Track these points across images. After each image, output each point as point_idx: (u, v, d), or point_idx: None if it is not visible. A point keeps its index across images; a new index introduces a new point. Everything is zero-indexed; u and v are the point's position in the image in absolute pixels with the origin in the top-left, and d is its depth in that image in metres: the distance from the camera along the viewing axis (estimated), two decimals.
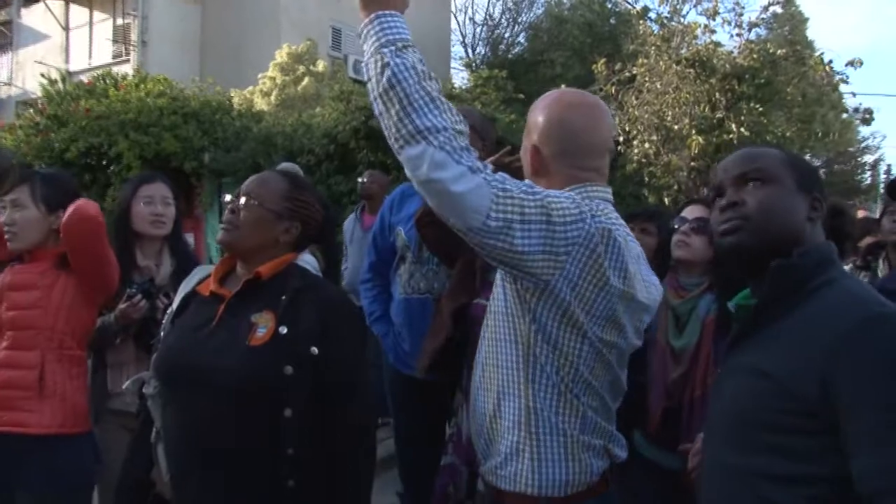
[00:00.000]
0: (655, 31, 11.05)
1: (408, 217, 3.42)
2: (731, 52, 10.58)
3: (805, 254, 1.52)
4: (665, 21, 11.33)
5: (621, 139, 11.01)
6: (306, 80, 16.01)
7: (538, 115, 2.00)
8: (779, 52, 10.70)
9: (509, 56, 21.65)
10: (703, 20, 10.94)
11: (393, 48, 1.65)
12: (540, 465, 1.83)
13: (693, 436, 2.10)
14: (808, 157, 13.85)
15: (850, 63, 10.64)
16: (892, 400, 1.29)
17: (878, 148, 27.06)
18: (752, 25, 11.27)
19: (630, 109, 11.28)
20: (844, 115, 10.95)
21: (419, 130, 1.62)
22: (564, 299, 1.75)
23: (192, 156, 10.67)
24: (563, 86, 11.43)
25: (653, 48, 10.84)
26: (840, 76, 10.70)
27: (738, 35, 11.02)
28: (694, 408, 2.67)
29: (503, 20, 25.03)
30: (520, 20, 24.51)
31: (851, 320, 1.38)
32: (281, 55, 16.62)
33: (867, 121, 10.88)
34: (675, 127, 10.70)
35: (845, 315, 1.40)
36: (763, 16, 12.56)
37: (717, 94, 10.55)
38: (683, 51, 10.51)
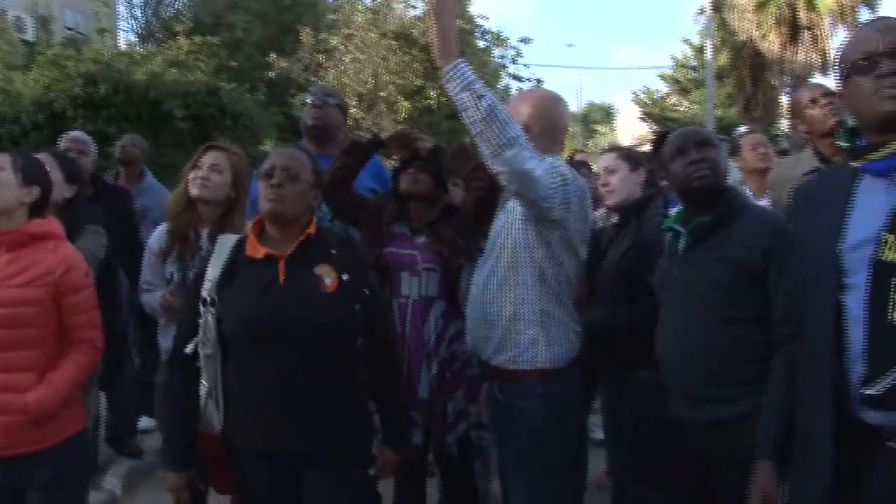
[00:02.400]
0: (366, 5, 11.83)
1: None
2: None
3: (731, 188, 2.44)
4: None
5: None
6: None
7: (526, 104, 2.79)
8: (466, 26, 12.17)
9: (181, 20, 20.90)
10: None
11: (479, 85, 2.28)
12: (551, 348, 2.57)
13: None
14: None
15: (522, 40, 12.49)
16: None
17: None
18: None
19: (331, 77, 12.01)
20: (519, 85, 12.77)
21: (512, 139, 2.28)
22: (568, 230, 2.54)
23: None
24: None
25: (362, 21, 11.64)
26: (514, 50, 12.52)
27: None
28: None
29: None
30: None
31: (775, 224, 2.34)
32: None
33: None
34: (382, 94, 11.69)
35: (771, 221, 2.36)
36: None
37: (417, 64, 11.75)
38: (390, 25, 11.52)
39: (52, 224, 2.62)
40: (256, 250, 2.43)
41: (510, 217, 2.63)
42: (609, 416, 3.29)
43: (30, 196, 2.60)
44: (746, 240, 2.34)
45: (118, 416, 4.74)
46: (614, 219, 3.45)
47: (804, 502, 1.83)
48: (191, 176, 3.08)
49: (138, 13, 24.45)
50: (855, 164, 1.76)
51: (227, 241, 2.52)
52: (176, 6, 24.11)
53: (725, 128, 24.59)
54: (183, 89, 10.85)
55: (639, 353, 2.79)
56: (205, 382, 2.40)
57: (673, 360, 2.48)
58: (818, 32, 21.15)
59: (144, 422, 5.08)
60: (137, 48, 13.91)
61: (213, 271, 2.42)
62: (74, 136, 5.03)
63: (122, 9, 24.56)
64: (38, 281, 2.46)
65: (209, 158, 3.11)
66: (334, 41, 12.17)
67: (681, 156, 2.51)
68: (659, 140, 3.52)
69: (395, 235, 3.32)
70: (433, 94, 11.54)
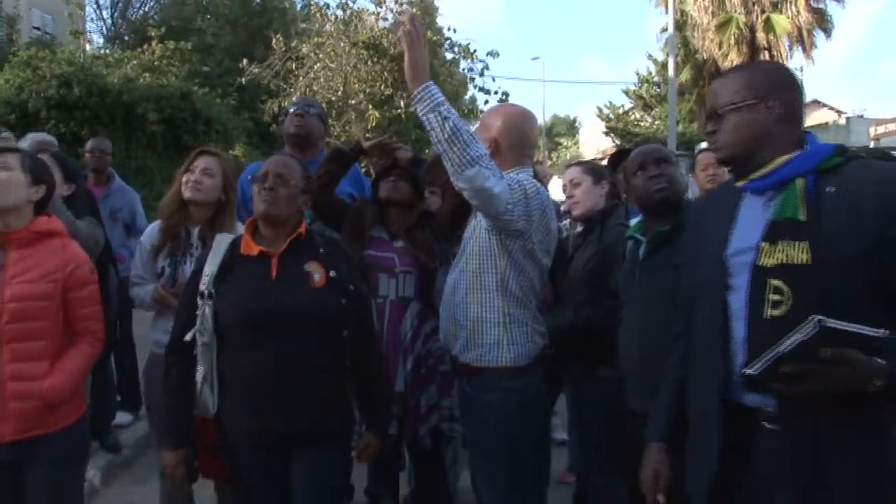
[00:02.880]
0: (339, 16, 12.00)
1: None
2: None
3: (688, 201, 2.70)
4: (345, 6, 12.34)
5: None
6: None
7: (496, 119, 3.00)
8: (434, 38, 12.40)
9: (150, 23, 20.87)
10: (371, 7, 12.16)
11: (445, 107, 2.46)
12: (513, 347, 2.77)
13: None
14: None
15: (490, 53, 12.75)
16: None
17: None
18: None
19: (301, 85, 12.15)
20: (486, 97, 12.98)
21: (473, 158, 2.45)
22: (530, 240, 2.74)
23: None
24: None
25: (332, 30, 11.82)
26: (482, 63, 12.76)
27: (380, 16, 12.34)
28: None
29: None
30: None
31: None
32: None
33: (504, 102, 13.08)
34: (352, 102, 11.88)
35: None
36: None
37: (387, 74, 11.95)
38: (361, 35, 11.71)
39: (56, 222, 2.78)
40: (251, 248, 2.65)
41: (478, 226, 2.84)
42: (574, 412, 3.52)
43: (37, 194, 2.75)
44: (691, 248, 2.59)
45: (101, 406, 4.84)
46: (578, 228, 3.69)
47: (696, 484, 2.04)
48: (184, 179, 3.25)
49: (105, 15, 24.42)
50: (739, 184, 2.01)
51: (223, 240, 2.72)
52: (144, 9, 24.12)
53: (687, 143, 25.19)
54: (157, 93, 10.93)
55: (601, 352, 3.04)
56: (201, 368, 2.59)
57: (635, 357, 2.71)
58: (776, 53, 21.78)
59: (121, 417, 5.21)
60: (105, 51, 13.89)
61: (210, 267, 2.61)
62: (42, 139, 5.10)
63: (89, 9, 24.48)
64: (48, 277, 2.61)
65: (202, 163, 3.28)
66: (305, 49, 12.33)
67: (642, 171, 2.76)
68: (616, 156, 3.81)
69: (374, 239, 3.52)
70: (402, 103, 11.74)
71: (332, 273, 2.64)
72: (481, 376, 2.81)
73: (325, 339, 2.59)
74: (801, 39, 21.87)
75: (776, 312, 1.78)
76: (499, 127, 2.91)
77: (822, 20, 22.44)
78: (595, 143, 36.22)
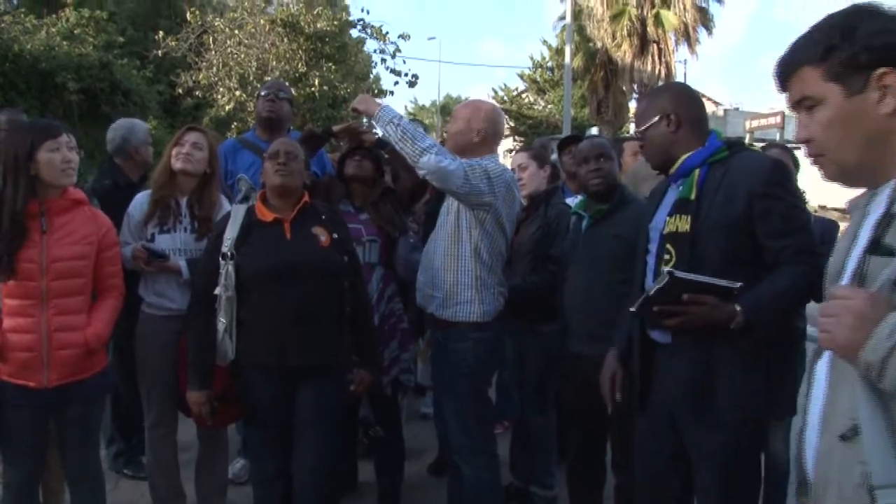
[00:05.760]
0: None
1: (246, 166, 4.33)
2: (318, 13, 12.16)
3: (622, 185, 3.30)
4: None
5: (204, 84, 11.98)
6: None
7: (479, 112, 3.48)
8: (349, 19, 12.71)
9: None
10: None
11: (398, 117, 3.15)
12: (482, 305, 3.30)
13: None
14: None
15: (401, 36, 13.15)
16: None
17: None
18: None
19: (216, 60, 12.22)
20: (396, 79, 13.35)
21: (424, 149, 3.08)
22: (499, 212, 3.28)
23: None
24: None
25: (249, 6, 11.92)
26: (393, 45, 13.14)
27: None
28: None
29: None
30: None
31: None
32: None
33: (413, 84, 13.53)
34: (267, 79, 12.02)
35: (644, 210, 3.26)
36: None
37: (302, 52, 12.17)
38: (272, 11, 11.87)
39: (80, 191, 3.10)
40: (266, 215, 3.12)
41: (454, 203, 3.35)
42: (517, 363, 4.09)
43: None
44: (630, 223, 3.19)
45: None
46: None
47: (630, 399, 2.70)
48: (174, 152, 3.54)
49: None
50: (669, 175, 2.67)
51: (239, 210, 3.18)
52: None
53: (578, 127, 26.31)
54: (76, 62, 10.78)
55: (543, 311, 3.62)
56: (223, 320, 3.00)
57: (579, 310, 3.28)
58: (664, 47, 23.15)
59: None
60: (22, 14, 13.41)
61: (231, 232, 3.06)
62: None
63: None
64: (87, 239, 2.98)
65: (191, 137, 3.59)
66: (219, 23, 12.36)
67: (585, 163, 3.35)
68: (565, 142, 4.49)
69: (341, 212, 3.96)
70: (316, 81, 12.00)
71: (335, 235, 3.13)
72: (454, 329, 3.34)
73: (331, 289, 3.09)
74: (687, 35, 23.32)
75: (666, 269, 2.37)
76: (483, 122, 3.43)
77: (704, 18, 24.01)
78: None
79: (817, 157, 1.52)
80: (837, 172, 1.52)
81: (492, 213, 3.28)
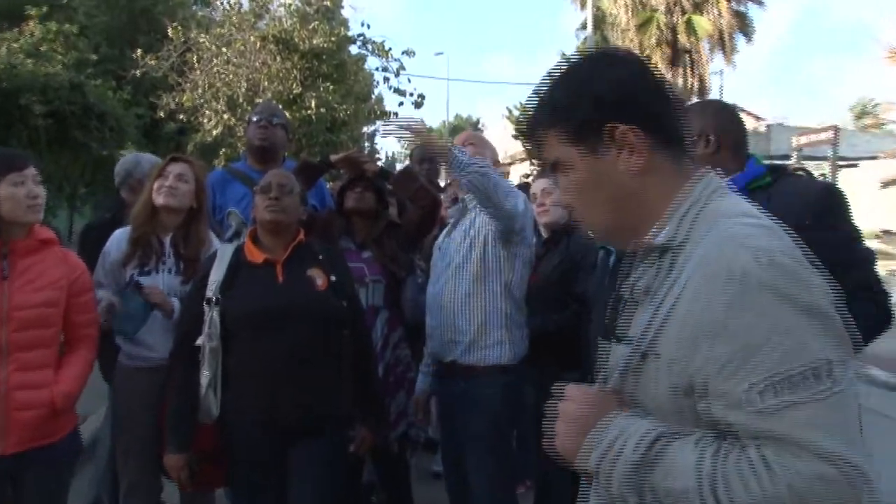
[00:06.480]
0: (242, 6, 12.22)
1: (237, 199, 4.30)
2: (314, 28, 12.25)
3: None
4: None
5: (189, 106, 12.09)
6: None
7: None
8: (348, 34, 12.82)
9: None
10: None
11: (477, 162, 3.22)
12: (513, 347, 3.42)
13: None
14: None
15: (406, 52, 13.25)
16: None
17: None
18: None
19: (201, 80, 12.31)
20: (401, 99, 13.42)
21: (507, 192, 3.25)
22: (530, 245, 3.46)
23: None
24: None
25: (237, 21, 12.04)
26: (397, 62, 13.22)
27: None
28: None
29: None
30: None
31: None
32: None
33: (419, 104, 13.59)
34: (259, 101, 12.12)
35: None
36: None
37: (296, 72, 12.26)
38: (263, 26, 11.97)
39: (49, 230, 3.12)
40: (255, 256, 3.10)
41: (477, 236, 3.41)
42: (535, 415, 4.06)
43: None
44: None
45: None
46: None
47: None
48: (156, 185, 3.53)
49: None
50: None
51: (227, 249, 3.17)
52: None
53: None
54: (42, 82, 10.80)
55: (567, 355, 3.60)
56: (206, 372, 2.98)
57: None
58: (696, 57, 23.25)
59: None
60: None
61: (216, 274, 3.05)
62: None
63: None
64: (57, 283, 2.97)
65: (175, 168, 3.58)
66: (204, 40, 12.46)
67: None
68: None
69: (342, 250, 3.97)
70: (313, 103, 12.06)
71: (333, 277, 3.13)
72: (479, 374, 3.38)
73: (328, 337, 3.06)
74: (723, 42, 23.42)
75: None
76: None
77: (742, 23, 24.08)
78: (502, 147, 36.78)
79: (580, 222, 1.54)
80: (602, 236, 1.57)
81: (525, 248, 3.41)
